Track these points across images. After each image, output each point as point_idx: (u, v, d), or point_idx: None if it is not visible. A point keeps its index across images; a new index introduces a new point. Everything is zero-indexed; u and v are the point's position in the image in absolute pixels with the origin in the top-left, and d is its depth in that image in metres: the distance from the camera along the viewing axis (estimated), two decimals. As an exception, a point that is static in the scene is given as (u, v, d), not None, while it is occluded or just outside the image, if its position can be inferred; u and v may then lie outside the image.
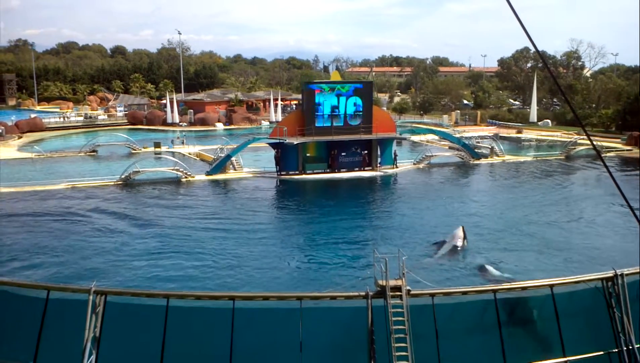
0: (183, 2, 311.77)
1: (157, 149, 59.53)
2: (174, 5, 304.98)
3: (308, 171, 47.86)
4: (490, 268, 25.05)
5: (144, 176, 44.29)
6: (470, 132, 69.69)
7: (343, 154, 48.79)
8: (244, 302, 15.49)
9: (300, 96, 62.56)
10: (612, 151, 60.94)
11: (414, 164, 52.59)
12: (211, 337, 15.34)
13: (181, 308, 15.40)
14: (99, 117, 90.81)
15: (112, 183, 43.15)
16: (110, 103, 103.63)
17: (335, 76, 59.58)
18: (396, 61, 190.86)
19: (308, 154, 48.47)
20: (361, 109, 48.15)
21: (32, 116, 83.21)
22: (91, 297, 14.38)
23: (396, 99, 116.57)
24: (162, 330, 14.72)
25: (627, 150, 61.89)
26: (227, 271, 25.11)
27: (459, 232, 28.40)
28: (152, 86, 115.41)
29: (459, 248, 27.66)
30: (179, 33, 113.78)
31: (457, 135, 60.47)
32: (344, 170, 48.64)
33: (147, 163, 48.50)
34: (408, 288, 15.64)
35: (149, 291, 16.94)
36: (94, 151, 58.83)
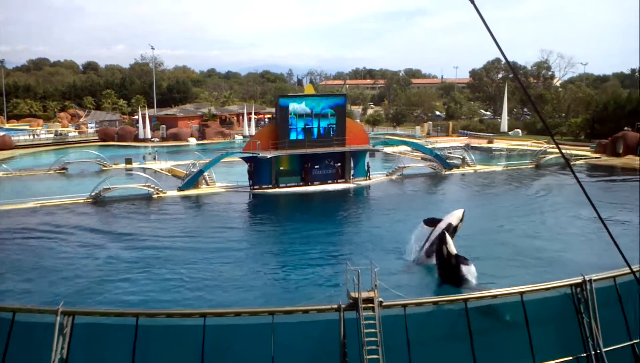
0: (157, 17, 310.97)
1: (129, 166, 58.93)
2: (148, 21, 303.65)
3: (281, 185, 47.80)
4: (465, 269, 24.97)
5: (114, 193, 43.74)
6: (442, 143, 70.39)
7: (316, 167, 48.83)
8: (216, 319, 15.36)
9: (274, 110, 62.60)
10: (582, 159, 62.03)
11: (387, 175, 52.86)
12: (182, 354, 15.18)
13: (152, 326, 15.21)
14: (70, 134, 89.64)
15: (82, 201, 42.54)
16: (81, 120, 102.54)
17: (309, 89, 59.85)
18: (369, 73, 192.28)
19: (281, 168, 48.41)
20: (335, 122, 48.38)
21: (1, 134, 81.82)
22: (58, 318, 14.14)
23: (369, 111, 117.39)
24: (132, 350, 14.51)
25: (596, 158, 63.04)
26: (199, 288, 24.85)
27: (458, 213, 28.20)
28: (124, 101, 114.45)
29: (453, 226, 27.50)
30: (152, 48, 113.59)
31: (430, 146, 61.06)
32: (318, 183, 48.66)
33: (118, 180, 47.92)
34: (380, 299, 15.68)
35: (119, 310, 16.71)
36: (63, 168, 58.02)
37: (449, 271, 24.74)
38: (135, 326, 14.64)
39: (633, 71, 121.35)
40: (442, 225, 26.91)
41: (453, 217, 27.70)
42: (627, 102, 74.94)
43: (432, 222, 28.07)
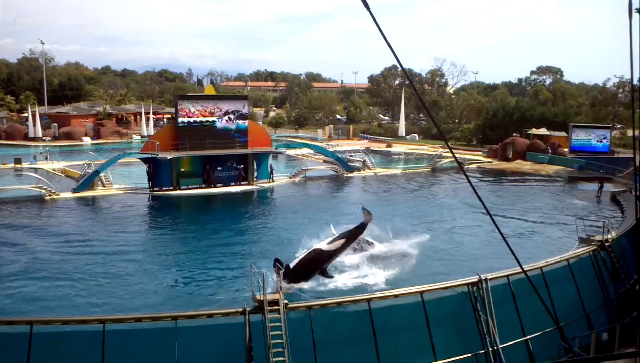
0: (48, 11, 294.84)
1: (18, 166, 55.52)
2: (38, 14, 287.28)
3: (183, 187, 46.79)
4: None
5: (3, 195, 41.15)
6: (344, 146, 71.58)
7: (219, 168, 48.22)
8: (116, 325, 14.82)
9: (173, 110, 61.16)
10: (474, 163, 65.17)
11: (290, 177, 53.09)
12: (81, 362, 14.49)
13: (47, 334, 14.42)
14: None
15: (-34, 203, 39.72)
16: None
17: (209, 90, 59.00)
18: (271, 76, 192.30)
19: (182, 169, 47.42)
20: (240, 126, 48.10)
21: None
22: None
23: (271, 114, 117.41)
24: (25, 360, 13.67)
25: (487, 162, 66.44)
26: (96, 294, 23.84)
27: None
28: (12, 98, 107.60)
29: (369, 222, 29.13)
30: (42, 43, 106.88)
31: (331, 149, 61.87)
32: (220, 185, 48.07)
33: (7, 180, 45.26)
34: (285, 301, 15.71)
35: (10, 318, 15.73)
36: (-57, 168, 53.93)
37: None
38: (29, 335, 13.82)
39: (520, 80, 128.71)
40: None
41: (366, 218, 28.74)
42: (515, 110, 79.59)
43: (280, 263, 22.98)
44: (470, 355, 16.82)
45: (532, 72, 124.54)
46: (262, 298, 15.44)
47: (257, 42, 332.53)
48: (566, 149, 66.14)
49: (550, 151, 64.96)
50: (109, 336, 14.34)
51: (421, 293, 17.11)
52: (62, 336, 14.63)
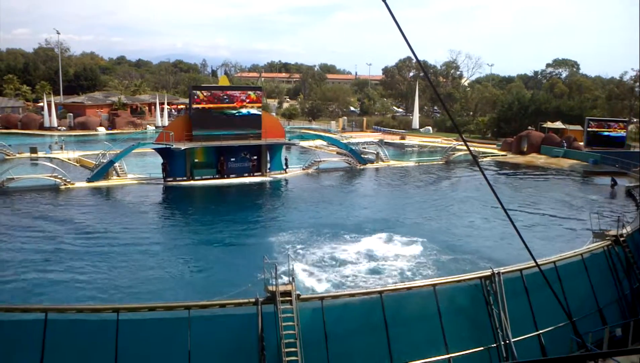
0: (63, 1, 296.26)
1: (34, 155, 56.03)
2: (53, 4, 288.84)
3: (196, 177, 47.01)
4: None
5: (19, 184, 41.55)
6: (357, 138, 71.47)
7: (232, 159, 48.37)
8: (129, 314, 14.94)
9: (187, 100, 61.35)
10: (488, 156, 64.82)
11: (303, 169, 53.12)
12: (94, 350, 14.65)
13: (61, 321, 14.58)
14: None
15: (-17, 191, 40.18)
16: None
17: (223, 81, 59.07)
18: (285, 67, 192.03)
19: (196, 160, 47.60)
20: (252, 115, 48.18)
21: None
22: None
23: (285, 105, 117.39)
24: (41, 347, 13.85)
25: (502, 155, 66.04)
26: (110, 283, 24.08)
27: None
28: (27, 87, 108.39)
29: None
30: (58, 33, 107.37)
31: (345, 141, 61.83)
32: (234, 176, 48.22)
33: (23, 170, 45.64)
34: (298, 292, 15.75)
35: (25, 305, 15.95)
36: (-40, 157, 54.56)
37: None
38: (44, 321, 13.98)
39: (536, 73, 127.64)
40: None
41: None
42: (531, 103, 78.99)
43: None
44: (482, 348, 16.80)
45: (547, 65, 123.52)
46: (274, 289, 15.48)
47: (271, 33, 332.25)
48: (581, 143, 65.58)
49: (565, 144, 64.45)
50: (122, 325, 14.47)
51: (434, 285, 17.09)
52: (77, 324, 14.80)
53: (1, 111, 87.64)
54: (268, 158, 50.37)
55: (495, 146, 71.67)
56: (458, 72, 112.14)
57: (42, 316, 14.15)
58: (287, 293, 15.55)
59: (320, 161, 54.63)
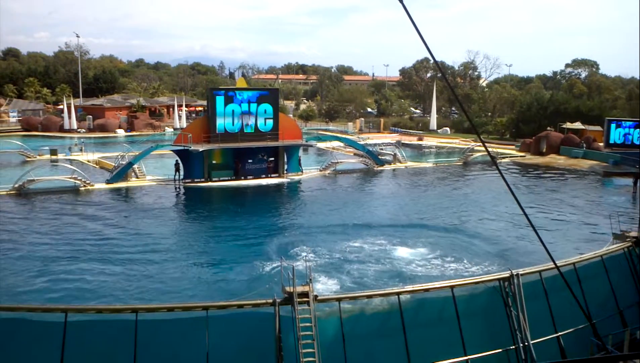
0: (82, 4, 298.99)
1: (54, 157, 56.73)
2: (72, 8, 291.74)
3: (214, 179, 47.25)
4: None
5: (39, 185, 42.07)
6: (374, 139, 71.37)
7: (249, 161, 48.55)
8: (148, 314, 15.06)
9: (205, 102, 61.70)
10: (507, 157, 64.35)
11: (321, 170, 53.16)
12: (114, 351, 14.80)
13: (81, 322, 14.75)
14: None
15: (5, 193, 40.71)
16: (2, 108, 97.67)
17: (241, 83, 59.23)
18: (302, 68, 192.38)
19: (214, 161, 47.87)
20: (271, 116, 48.35)
21: None
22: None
23: (302, 107, 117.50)
24: (61, 346, 14.02)
25: (521, 156, 65.54)
26: (129, 284, 24.28)
27: None
28: (48, 90, 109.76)
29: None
30: (77, 36, 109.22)
31: (362, 142, 61.76)
32: (251, 177, 48.41)
33: (43, 171, 46.18)
34: (315, 294, 15.77)
35: (46, 305, 16.12)
36: (-17, 158, 55.40)
37: None
38: (64, 322, 14.15)
39: (554, 73, 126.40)
40: None
41: None
42: (550, 103, 78.28)
43: None
44: (500, 350, 16.69)
45: (567, 65, 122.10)
46: (291, 290, 15.51)
47: (288, 35, 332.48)
48: (601, 144, 64.84)
49: (584, 145, 63.81)
50: (141, 325, 14.60)
51: (452, 287, 17.02)
52: (96, 324, 14.96)
53: (22, 114, 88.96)
54: (285, 160, 50.49)
55: (514, 147, 71.14)
56: (476, 73, 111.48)
57: (62, 317, 14.31)
58: (305, 294, 15.57)
59: (338, 163, 54.62)
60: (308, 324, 15.05)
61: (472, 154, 61.49)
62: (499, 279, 17.54)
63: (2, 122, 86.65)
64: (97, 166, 53.47)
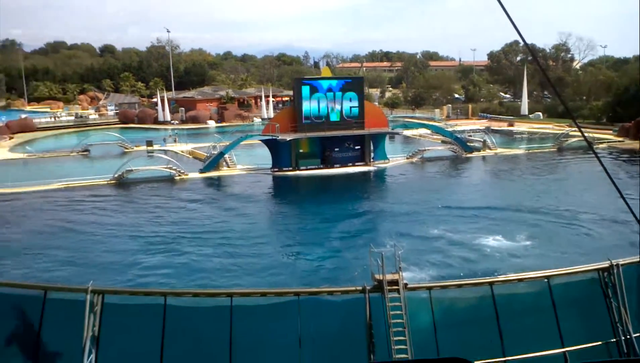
0: (171, 1, 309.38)
1: (150, 148, 59.35)
2: (162, 4, 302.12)
3: (302, 167, 47.89)
4: None
5: (137, 175, 44.16)
6: (462, 126, 69.92)
7: (336, 149, 48.81)
8: (242, 299, 15.52)
9: (291, 93, 62.47)
10: (604, 142, 61.22)
11: (407, 158, 52.68)
12: (210, 334, 15.37)
13: (179, 306, 15.41)
14: (90, 116, 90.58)
15: (105, 182, 43.02)
16: (100, 102, 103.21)
17: (325, 72, 59.55)
18: (386, 56, 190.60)
19: (301, 151, 48.47)
20: (356, 105, 48.40)
21: (23, 116, 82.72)
22: (88, 296, 14.35)
23: (387, 94, 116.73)
24: (161, 328, 14.72)
25: (619, 141, 62.20)
26: (223, 269, 25.12)
27: None
28: (142, 84, 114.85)
29: None
30: (168, 31, 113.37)
31: (449, 129, 60.66)
32: (338, 166, 48.64)
33: (140, 162, 48.36)
34: (405, 282, 15.71)
35: (147, 289, 16.96)
36: (86, 150, 58.66)
37: None
38: (164, 305, 14.84)
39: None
40: None
41: None
42: (650, 85, 73.74)
43: None
44: (600, 343, 16.02)
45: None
46: (381, 278, 15.52)
47: (371, 21, 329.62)
48: None
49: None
50: (236, 309, 15.08)
51: (547, 277, 16.47)
52: (194, 310, 15.61)
53: (119, 107, 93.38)
54: (372, 148, 50.39)
55: (611, 131, 67.53)
56: (569, 55, 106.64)
57: (161, 300, 15.02)
58: (395, 282, 15.54)
59: (425, 150, 53.92)
60: (399, 312, 15.03)
61: (566, 140, 58.97)
62: (597, 269, 16.80)
63: (102, 115, 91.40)
64: (190, 156, 55.44)
